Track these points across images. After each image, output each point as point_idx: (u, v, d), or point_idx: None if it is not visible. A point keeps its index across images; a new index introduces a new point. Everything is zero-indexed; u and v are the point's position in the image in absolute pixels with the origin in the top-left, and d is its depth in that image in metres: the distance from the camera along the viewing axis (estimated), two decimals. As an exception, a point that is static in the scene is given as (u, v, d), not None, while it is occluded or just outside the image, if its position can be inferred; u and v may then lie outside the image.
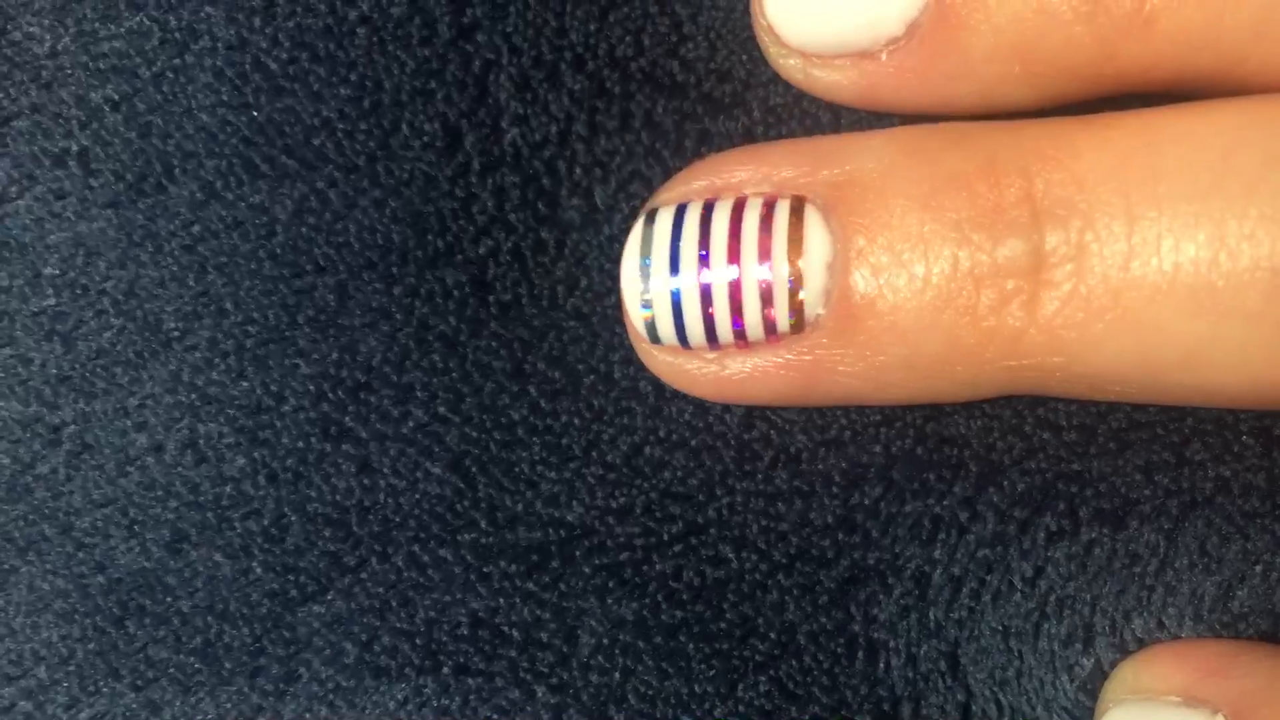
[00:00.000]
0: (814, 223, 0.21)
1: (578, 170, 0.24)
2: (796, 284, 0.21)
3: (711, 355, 0.22)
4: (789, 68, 0.22)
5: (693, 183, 0.22)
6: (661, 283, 0.22)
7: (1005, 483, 0.24)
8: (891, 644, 0.25)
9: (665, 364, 0.22)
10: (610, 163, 0.25)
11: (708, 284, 0.21)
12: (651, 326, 0.22)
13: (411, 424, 0.25)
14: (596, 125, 0.24)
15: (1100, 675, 0.24)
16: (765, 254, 0.21)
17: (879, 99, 0.22)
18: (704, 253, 0.21)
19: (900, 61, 0.21)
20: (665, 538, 0.25)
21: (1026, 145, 0.21)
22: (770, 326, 0.21)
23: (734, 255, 0.21)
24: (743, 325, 0.21)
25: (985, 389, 0.22)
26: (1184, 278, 0.20)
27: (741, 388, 0.22)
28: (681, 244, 0.22)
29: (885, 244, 0.21)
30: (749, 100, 0.24)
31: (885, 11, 0.21)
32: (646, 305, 0.22)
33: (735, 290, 0.21)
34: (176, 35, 0.25)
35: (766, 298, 0.21)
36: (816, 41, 0.22)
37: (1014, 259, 0.20)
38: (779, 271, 0.21)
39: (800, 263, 0.21)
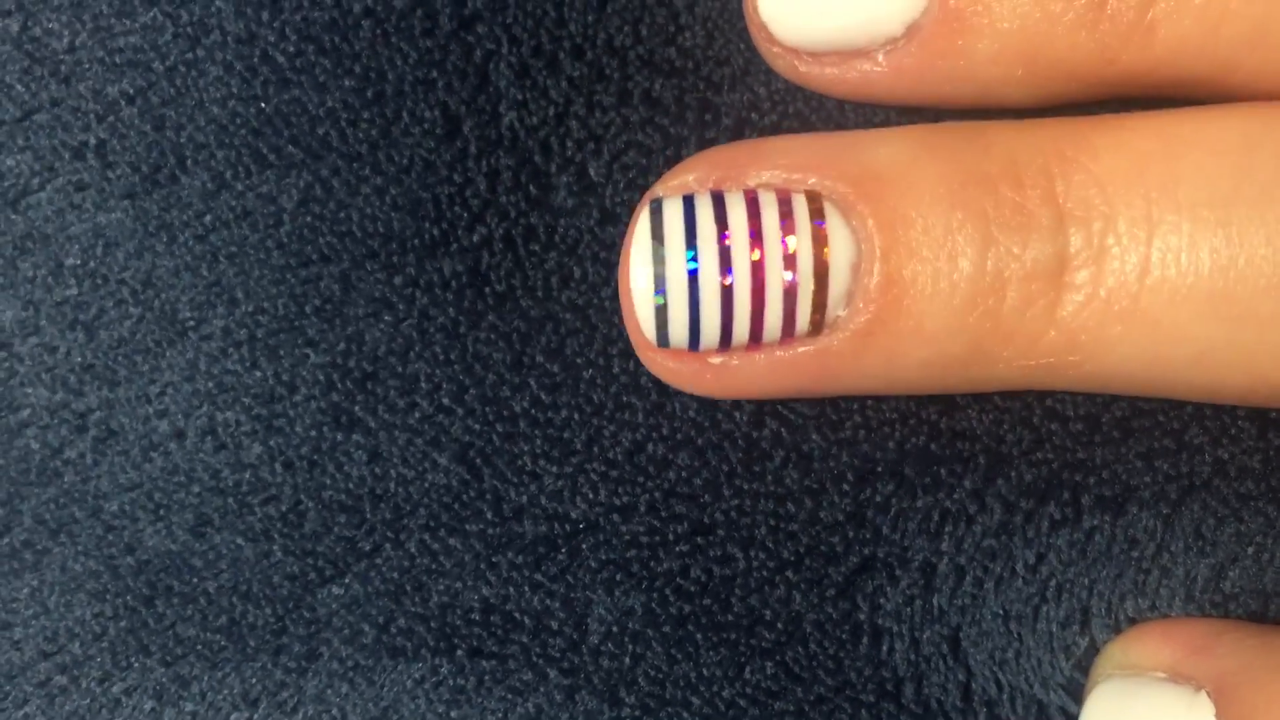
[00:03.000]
0: (835, 221, 0.20)
1: (570, 145, 0.23)
2: (822, 284, 0.20)
3: (718, 359, 0.21)
4: (781, 65, 0.21)
5: (691, 174, 0.21)
6: (677, 271, 0.20)
7: (1013, 474, 0.24)
8: (895, 629, 0.24)
9: (668, 367, 0.21)
10: (605, 134, 0.24)
11: (729, 278, 0.20)
12: (662, 320, 0.20)
13: (418, 414, 0.24)
14: (594, 103, 0.23)
15: (1095, 654, 0.24)
16: (789, 251, 0.20)
17: (872, 96, 0.21)
18: (722, 244, 0.20)
19: (898, 62, 0.20)
20: (671, 537, 0.24)
21: (1046, 146, 0.20)
22: (789, 327, 0.20)
23: (757, 248, 0.20)
24: (762, 325, 0.20)
25: (994, 385, 0.21)
26: (1201, 283, 0.19)
27: (748, 385, 0.21)
28: (699, 232, 0.20)
29: (911, 244, 0.20)
30: (750, 82, 0.23)
31: (884, 12, 0.20)
32: (660, 291, 0.20)
33: (759, 287, 0.20)
34: (188, 30, 0.24)
35: (790, 296, 0.20)
36: (811, 40, 0.21)
37: (1041, 261, 0.19)
38: (805, 270, 0.20)
39: (826, 263, 0.20)
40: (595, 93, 0.23)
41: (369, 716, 0.25)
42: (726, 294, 0.20)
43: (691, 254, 0.20)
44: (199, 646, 0.25)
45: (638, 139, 0.23)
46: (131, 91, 0.24)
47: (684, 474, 0.24)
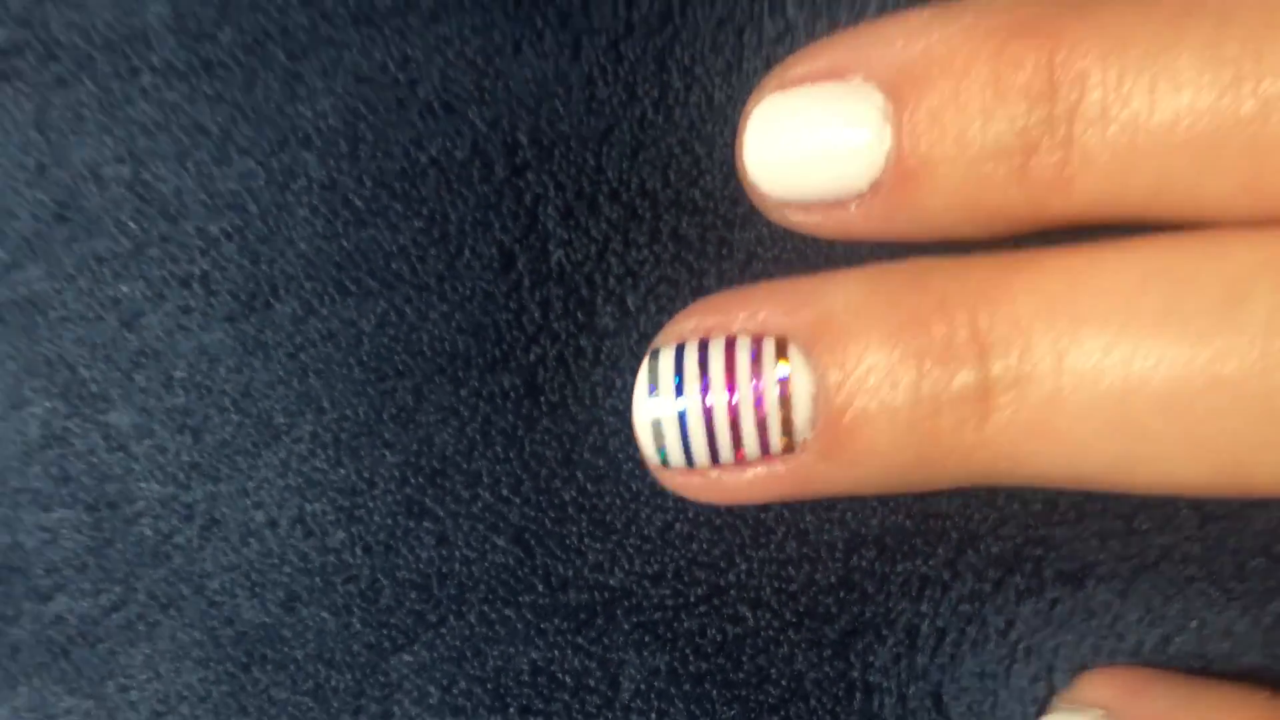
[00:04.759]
0: (797, 361, 0.23)
1: (612, 280, 0.26)
2: (787, 413, 0.23)
3: (714, 474, 0.24)
4: (774, 216, 0.24)
5: (687, 324, 0.24)
6: (669, 411, 0.24)
7: (981, 547, 0.26)
8: (885, 685, 0.27)
9: (675, 481, 0.24)
10: (640, 270, 0.26)
11: (709, 413, 0.23)
12: (661, 450, 0.24)
13: (480, 504, 0.27)
14: (630, 240, 0.26)
15: (1059, 701, 0.27)
16: (758, 388, 0.23)
17: (850, 236, 0.24)
18: (704, 386, 0.23)
19: (867, 211, 0.23)
20: (692, 599, 0.27)
21: (973, 289, 0.22)
22: (765, 448, 0.23)
23: (731, 387, 0.23)
24: (742, 449, 0.23)
25: (949, 484, 0.24)
26: (1100, 407, 0.21)
27: (741, 495, 0.24)
28: (685, 378, 0.23)
29: (860, 376, 0.23)
30: (757, 221, 0.26)
31: (851, 175, 0.23)
32: (657, 432, 0.24)
33: (734, 418, 0.23)
34: (279, 177, 0.27)
35: (761, 425, 0.23)
36: (792, 197, 0.24)
37: (966, 389, 0.22)
38: (771, 404, 0.23)
39: (789, 398, 0.23)
40: (630, 231, 0.26)
41: (435, 766, 0.28)
42: (709, 424, 0.23)
43: (680, 393, 0.24)
44: (289, 708, 0.28)
45: (668, 273, 0.26)
46: (230, 229, 0.27)
47: (705, 545, 0.27)
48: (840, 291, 0.23)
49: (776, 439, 0.23)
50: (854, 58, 0.23)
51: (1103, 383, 0.22)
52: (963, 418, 0.23)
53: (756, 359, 0.23)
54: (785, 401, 0.23)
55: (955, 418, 0.23)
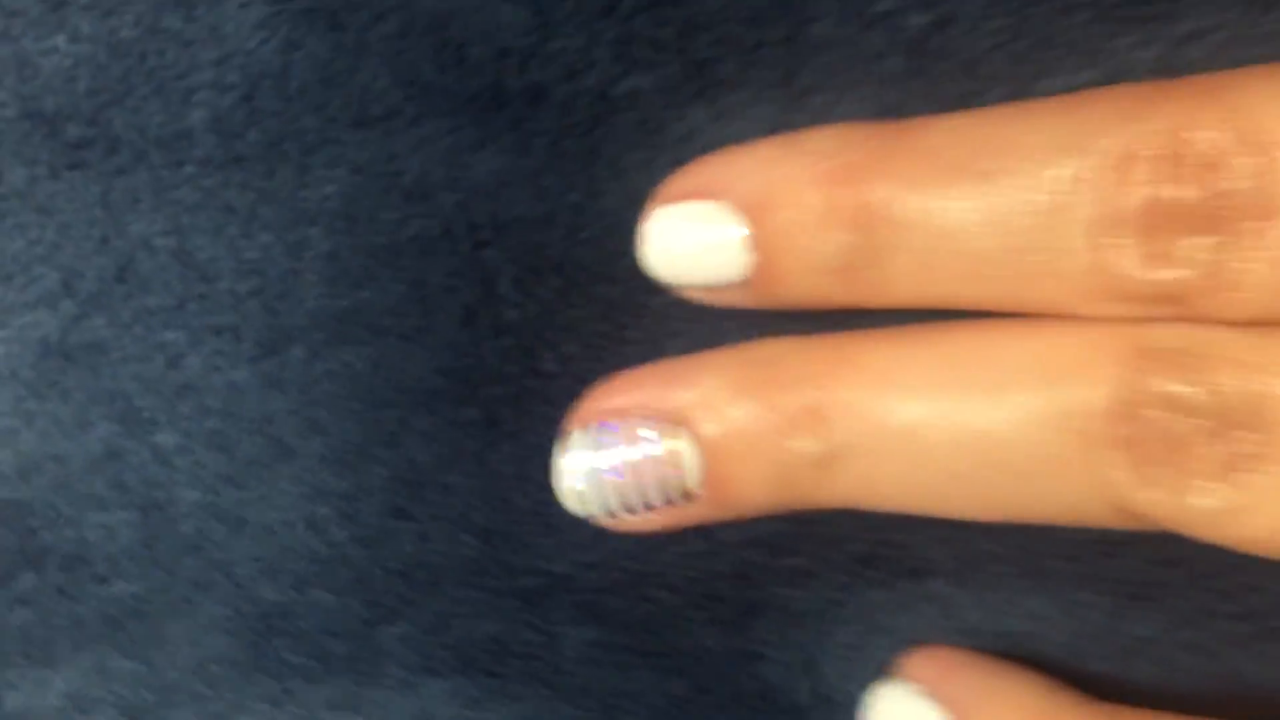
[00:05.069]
0: (684, 438, 0.27)
1: (552, 334, 0.29)
2: (680, 478, 0.27)
3: (629, 518, 0.28)
4: (671, 291, 0.28)
5: (594, 407, 0.28)
6: (587, 483, 0.28)
7: (845, 546, 0.30)
8: (770, 655, 0.31)
9: (599, 522, 0.29)
10: (576, 327, 0.29)
11: (619, 483, 0.27)
12: (584, 506, 0.28)
13: (453, 511, 0.31)
14: (568, 303, 0.29)
15: (901, 670, 0.30)
16: (656, 460, 0.27)
17: (736, 305, 0.28)
18: (613, 461, 0.28)
19: (742, 294, 0.27)
20: (619, 582, 0.31)
21: (813, 372, 0.26)
22: (668, 502, 0.28)
23: (634, 462, 0.27)
24: (648, 502, 0.28)
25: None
26: (907, 472, 0.26)
27: (651, 528, 0.28)
28: (597, 456, 0.28)
29: (729, 451, 0.27)
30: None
31: (724, 273, 0.26)
32: (579, 499, 0.28)
33: (640, 483, 0.27)
34: (292, 248, 0.29)
35: (661, 488, 0.27)
36: (682, 284, 0.27)
37: (812, 457, 0.26)
38: (666, 472, 0.27)
39: (679, 464, 0.28)
40: (569, 295, 0.29)
41: (414, 717, 0.32)
42: (620, 491, 0.28)
43: (593, 469, 0.28)
44: (299, 668, 0.32)
45: (599, 328, 0.30)
46: (253, 289, 0.30)
47: (628, 542, 0.30)
48: (715, 375, 0.27)
49: (676, 495, 0.28)
50: (718, 183, 0.26)
51: (908, 454, 0.26)
52: (814, 479, 0.27)
53: (652, 437, 0.28)
54: (677, 470, 0.28)
55: (809, 479, 0.27)
